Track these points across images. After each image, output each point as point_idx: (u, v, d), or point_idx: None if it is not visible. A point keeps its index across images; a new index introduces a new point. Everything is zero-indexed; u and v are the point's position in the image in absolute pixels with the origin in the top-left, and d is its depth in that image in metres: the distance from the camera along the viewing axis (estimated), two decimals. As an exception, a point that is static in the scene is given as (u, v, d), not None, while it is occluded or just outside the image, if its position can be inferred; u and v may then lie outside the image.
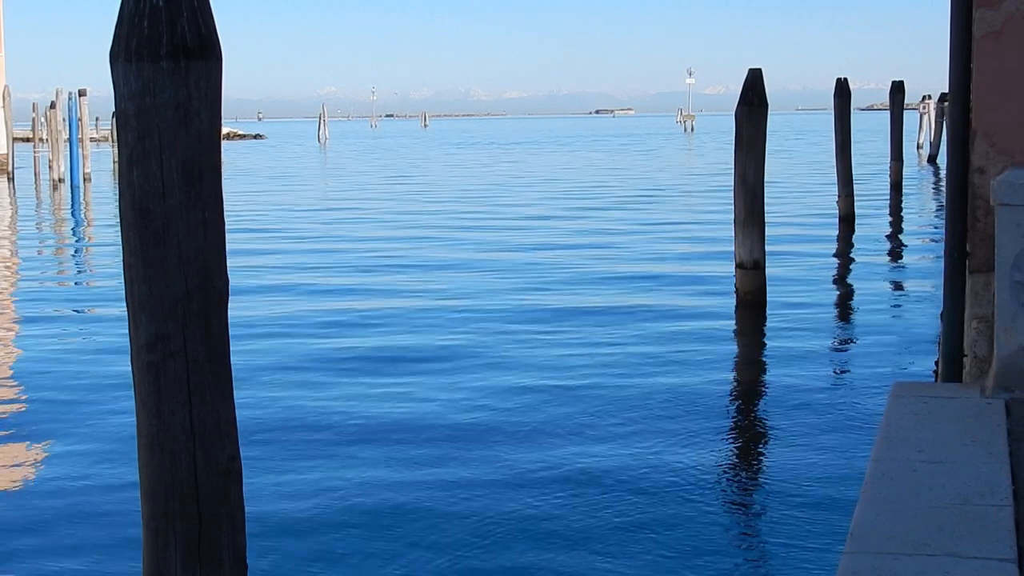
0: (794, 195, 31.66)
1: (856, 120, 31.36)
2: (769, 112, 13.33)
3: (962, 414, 4.71)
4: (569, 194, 34.72)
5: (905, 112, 33.59)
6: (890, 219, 25.44)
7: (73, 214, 31.10)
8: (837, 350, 11.90)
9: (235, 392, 4.13)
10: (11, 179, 45.05)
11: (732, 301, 13.46)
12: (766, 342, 12.14)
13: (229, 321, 4.09)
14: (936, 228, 22.53)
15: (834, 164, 23.40)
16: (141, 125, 3.83)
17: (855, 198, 23.40)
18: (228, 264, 4.06)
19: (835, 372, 10.80)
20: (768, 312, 13.12)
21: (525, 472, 7.69)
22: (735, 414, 9.40)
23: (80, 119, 43.77)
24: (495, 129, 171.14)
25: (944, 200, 5.89)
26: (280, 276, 17.28)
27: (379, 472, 7.76)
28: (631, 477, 7.56)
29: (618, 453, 8.09)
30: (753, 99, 13.25)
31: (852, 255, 19.44)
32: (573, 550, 6.36)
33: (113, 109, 4.06)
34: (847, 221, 22.60)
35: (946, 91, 5.90)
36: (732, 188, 13.42)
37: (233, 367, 4.12)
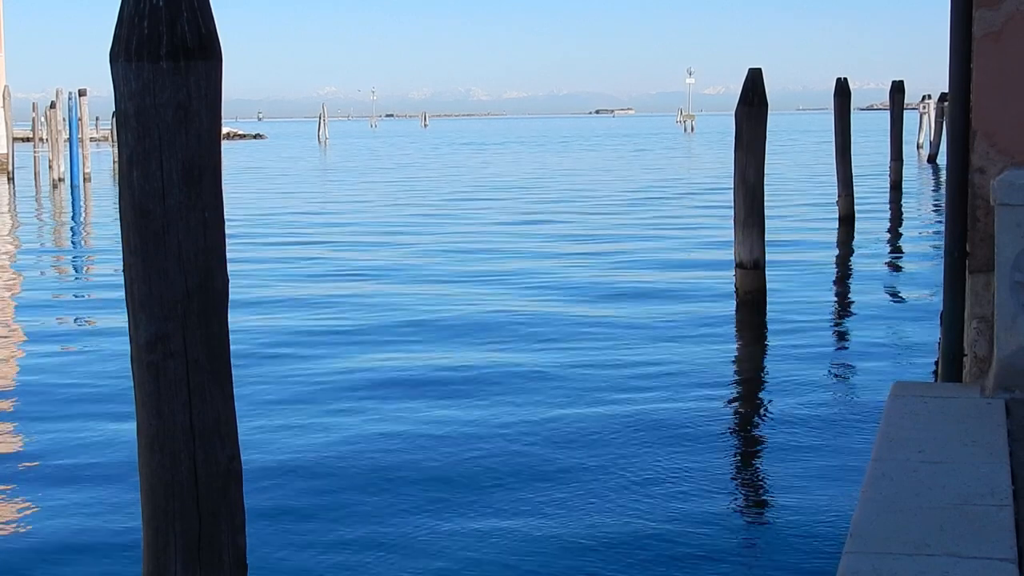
0: (794, 195, 31.66)
1: (856, 120, 31.35)
2: (769, 112, 13.33)
3: (962, 414, 4.71)
4: (569, 194, 34.72)
5: (905, 112, 33.59)
6: (890, 219, 25.44)
7: (73, 214, 31.10)
8: (837, 350, 11.89)
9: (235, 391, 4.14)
10: (11, 179, 45.04)
11: (732, 301, 13.45)
12: (766, 342, 12.14)
13: (228, 321, 4.09)
14: (936, 228, 22.52)
15: (834, 164, 23.41)
16: (141, 125, 3.83)
17: (855, 198, 23.40)
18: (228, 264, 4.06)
19: (835, 372, 10.80)
20: (768, 312, 13.12)
21: (517, 474, 7.68)
22: (735, 414, 9.40)
23: (80, 119, 43.79)
24: (496, 129, 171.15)
25: (944, 200, 5.89)
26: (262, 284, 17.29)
27: (378, 472, 7.76)
28: (629, 476, 7.56)
29: (616, 453, 8.08)
30: (753, 99, 13.25)
31: (852, 255, 19.44)
32: (572, 546, 6.36)
33: (113, 109, 4.07)
34: (847, 221, 22.59)
35: (946, 91, 5.90)
36: (732, 188, 13.43)
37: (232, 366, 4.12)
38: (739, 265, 13.29)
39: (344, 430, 8.73)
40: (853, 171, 23.33)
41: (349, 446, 8.33)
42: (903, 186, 31.52)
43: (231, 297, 4.13)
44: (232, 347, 4.16)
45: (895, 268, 18.03)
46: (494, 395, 9.70)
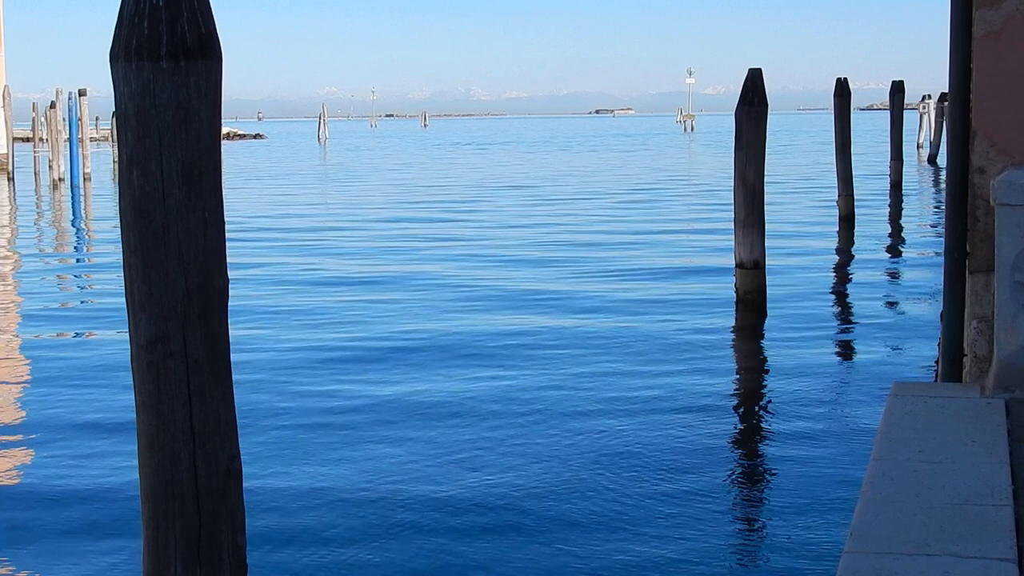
0: (794, 195, 31.66)
1: (856, 120, 31.33)
2: (769, 112, 13.32)
3: (962, 414, 4.70)
4: (571, 194, 34.72)
5: (905, 112, 33.61)
6: (890, 219, 25.45)
7: (73, 214, 31.10)
8: (837, 350, 11.89)
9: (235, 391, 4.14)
10: (11, 179, 45.06)
11: (732, 301, 13.45)
12: (766, 342, 12.14)
13: (228, 320, 4.09)
14: (936, 228, 22.53)
15: (834, 164, 23.42)
16: (141, 125, 3.83)
17: (855, 198, 23.42)
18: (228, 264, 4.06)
19: (835, 372, 10.80)
20: (768, 312, 13.11)
21: (520, 477, 7.68)
22: (735, 414, 9.40)
23: (80, 119, 43.81)
24: (496, 129, 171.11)
25: (944, 200, 5.88)
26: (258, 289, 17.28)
27: (379, 472, 7.76)
28: (630, 476, 7.56)
29: (616, 453, 8.09)
30: (753, 99, 13.25)
31: (852, 255, 19.44)
32: (578, 548, 6.36)
33: (113, 109, 4.06)
34: (847, 221, 22.61)
35: (946, 91, 5.89)
36: (732, 188, 13.43)
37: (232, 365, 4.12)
38: (739, 265, 13.29)
39: (331, 451, 8.42)
40: (853, 171, 23.35)
41: (333, 468, 8.30)
42: (903, 186, 31.55)
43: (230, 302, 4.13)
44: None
45: (895, 268, 18.03)
46: (485, 412, 9.32)
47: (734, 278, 13.43)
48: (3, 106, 49.55)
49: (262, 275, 17.04)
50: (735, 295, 13.39)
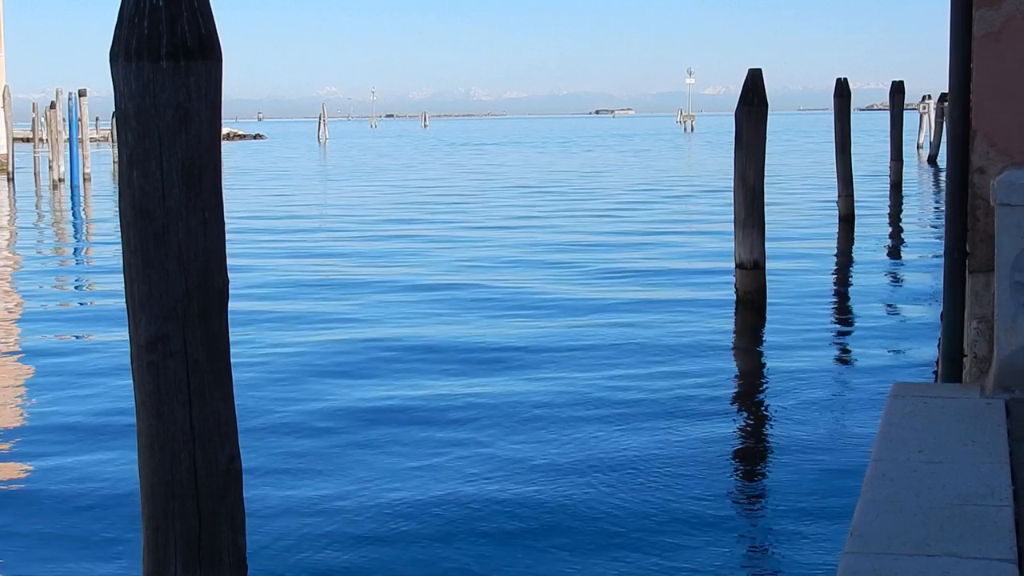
0: (794, 195, 31.66)
1: (856, 120, 31.32)
2: (769, 112, 13.32)
3: (962, 414, 4.70)
4: (571, 194, 34.71)
5: (905, 112, 33.61)
6: (890, 219, 25.45)
7: (73, 214, 31.09)
8: (837, 350, 11.89)
9: (236, 392, 4.14)
10: (11, 179, 45.06)
11: (732, 301, 13.45)
12: (766, 342, 12.13)
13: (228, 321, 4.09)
14: (936, 228, 22.53)
15: (834, 164, 23.43)
16: (141, 125, 3.83)
17: (855, 198, 23.42)
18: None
19: (835, 372, 10.79)
20: (768, 312, 13.12)
21: (517, 475, 7.68)
22: (734, 414, 9.40)
23: (80, 119, 43.82)
24: (496, 129, 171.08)
25: (944, 200, 5.88)
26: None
27: (376, 475, 7.76)
28: (630, 476, 7.55)
29: (616, 453, 8.08)
30: (753, 99, 13.25)
31: (852, 255, 19.44)
32: (574, 551, 6.36)
33: (113, 109, 4.06)
34: (847, 221, 22.62)
35: (946, 91, 5.89)
36: (732, 188, 13.43)
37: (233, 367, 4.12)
38: (739, 265, 13.29)
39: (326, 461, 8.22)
40: (853, 171, 23.36)
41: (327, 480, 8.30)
42: (903, 186, 31.56)
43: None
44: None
45: (895, 268, 18.03)
46: (481, 416, 9.17)
47: (734, 278, 13.43)
48: (3, 106, 49.56)
49: (260, 276, 17.04)
50: (735, 295, 13.39)
